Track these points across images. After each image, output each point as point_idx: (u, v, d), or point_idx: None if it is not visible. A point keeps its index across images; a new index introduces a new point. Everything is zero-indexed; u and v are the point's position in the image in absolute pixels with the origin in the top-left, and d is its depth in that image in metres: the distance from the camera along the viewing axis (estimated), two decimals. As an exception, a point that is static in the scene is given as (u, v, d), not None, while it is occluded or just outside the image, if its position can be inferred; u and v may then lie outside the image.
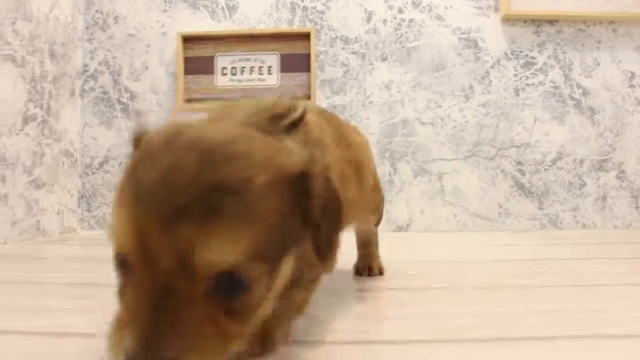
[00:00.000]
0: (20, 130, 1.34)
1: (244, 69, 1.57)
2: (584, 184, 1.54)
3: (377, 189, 0.76)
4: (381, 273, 0.79)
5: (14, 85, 1.32)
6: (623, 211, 1.53)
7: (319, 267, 0.47)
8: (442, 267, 0.91)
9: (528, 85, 1.55)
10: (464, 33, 1.55)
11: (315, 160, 0.38)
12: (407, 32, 1.55)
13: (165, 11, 1.59)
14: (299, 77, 1.55)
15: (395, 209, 1.54)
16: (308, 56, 1.54)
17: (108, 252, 0.35)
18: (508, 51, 1.55)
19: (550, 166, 1.54)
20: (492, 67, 1.55)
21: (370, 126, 1.54)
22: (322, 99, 1.56)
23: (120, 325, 0.31)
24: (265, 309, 0.35)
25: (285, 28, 1.56)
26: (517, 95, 1.54)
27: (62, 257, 1.11)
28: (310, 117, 0.47)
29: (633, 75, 1.55)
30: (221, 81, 1.58)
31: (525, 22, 1.55)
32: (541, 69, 1.55)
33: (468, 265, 0.93)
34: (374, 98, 1.55)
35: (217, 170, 0.31)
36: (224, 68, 1.58)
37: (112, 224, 0.32)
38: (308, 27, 1.55)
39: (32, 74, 1.39)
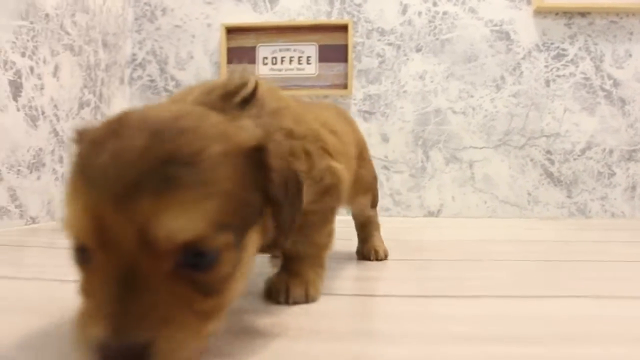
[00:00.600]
0: (76, 114, 1.44)
1: (283, 59, 1.65)
2: (613, 174, 1.57)
3: (367, 167, 0.77)
4: (386, 256, 0.77)
5: (71, 72, 1.42)
6: (651, 200, 1.57)
7: (322, 211, 0.52)
8: (467, 245, 0.98)
9: (559, 76, 1.59)
10: (495, 25, 1.60)
11: (271, 135, 0.37)
12: (440, 24, 1.60)
13: (209, 3, 1.67)
14: (336, 67, 1.62)
15: (427, 194, 1.60)
16: (345, 47, 1.61)
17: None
18: (539, 43, 1.59)
19: (579, 155, 1.58)
20: (523, 58, 1.59)
21: (404, 114, 1.61)
22: (358, 88, 1.62)
23: (84, 317, 0.29)
24: (240, 285, 0.34)
25: (323, 20, 1.63)
26: (548, 85, 1.59)
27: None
28: (265, 90, 0.46)
29: (664, 67, 1.58)
30: (262, 70, 1.66)
31: (557, 14, 1.59)
32: (572, 60, 1.59)
33: (493, 244, 0.99)
34: (408, 87, 1.61)
35: (167, 144, 0.30)
36: (265, 58, 1.66)
37: (65, 216, 0.30)
38: (345, 19, 1.62)
39: (87, 62, 1.49)
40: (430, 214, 1.61)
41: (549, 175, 1.58)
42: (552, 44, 1.59)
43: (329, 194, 0.51)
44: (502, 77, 1.59)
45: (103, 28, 1.59)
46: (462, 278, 0.64)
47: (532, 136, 1.59)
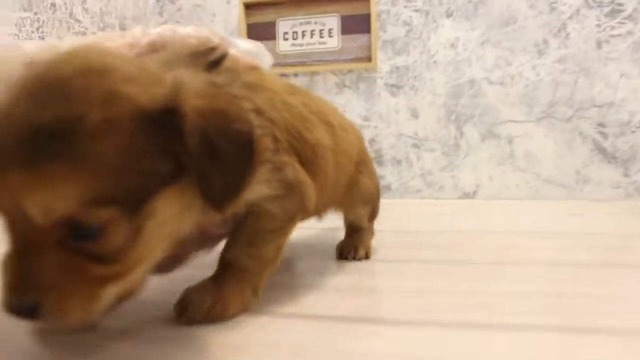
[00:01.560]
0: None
1: (304, 33, 1.55)
2: (680, 146, 1.36)
3: (370, 176, 0.71)
4: (367, 257, 0.68)
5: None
6: None
7: (281, 217, 0.46)
8: (502, 238, 0.84)
9: (613, 36, 1.39)
10: (538, -18, 1.41)
11: (189, 90, 0.33)
12: (474, -15, 1.44)
13: (228, -22, 1.60)
14: (360, 39, 1.51)
15: (461, 174, 1.46)
16: (368, 16, 1.49)
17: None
18: (590, -1, 1.39)
19: (637, 127, 1.38)
20: (569, 17, 1.40)
21: (435, 87, 1.47)
22: (384, 60, 1.50)
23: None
24: (149, 250, 0.34)
25: (345, -12, 1.51)
26: (600, 47, 1.39)
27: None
28: (251, 68, 0.45)
29: None
30: (283, 46, 1.57)
31: (611, -36, 1.38)
32: (630, 16, 1.38)
33: (533, 238, 0.85)
34: (439, 57, 1.47)
35: (46, 110, 0.29)
36: (285, 33, 1.57)
37: None
38: (367, -14, 1.49)
39: (102, 47, 1.46)
40: (466, 195, 1.47)
41: (602, 150, 1.40)
42: (605, -1, 1.39)
43: (291, 194, 0.46)
44: (545, 41, 1.41)
45: (120, 13, 1.56)
46: (481, 293, 0.51)
47: (581, 107, 1.40)
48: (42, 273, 0.30)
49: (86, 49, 0.36)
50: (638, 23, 1.37)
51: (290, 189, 0.46)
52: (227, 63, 0.41)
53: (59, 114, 0.29)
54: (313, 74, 1.56)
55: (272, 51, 1.57)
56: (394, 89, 1.50)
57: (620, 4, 1.38)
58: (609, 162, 1.39)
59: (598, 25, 1.39)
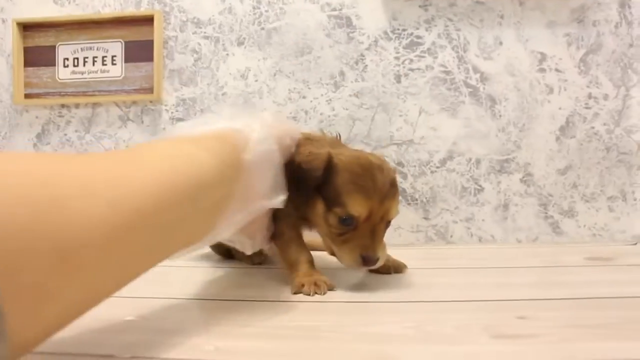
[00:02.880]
0: None
1: (86, 59, 1.37)
2: (481, 189, 1.26)
3: None
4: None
5: None
6: None
7: None
8: None
9: (412, 69, 1.28)
10: (334, 9, 1.30)
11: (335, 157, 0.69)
12: (267, 11, 1.31)
13: (4, -4, 1.41)
14: (145, 67, 1.34)
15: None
16: (152, 42, 1.33)
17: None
18: (388, 29, 1.29)
19: (438, 167, 1.26)
20: (367, 48, 1.29)
21: (223, 122, 1.32)
22: (170, 92, 1.34)
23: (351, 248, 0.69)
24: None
25: (130, 12, 1.35)
26: (398, 81, 1.28)
27: None
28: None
29: (543, 57, 1.26)
30: (63, 74, 1.38)
31: (406, -7, 1.29)
32: (429, 49, 1.28)
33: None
34: (228, 89, 1.32)
35: (385, 176, 0.70)
36: (66, 59, 1.38)
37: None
38: (152, 10, 1.34)
39: None
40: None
41: (401, 192, 1.27)
42: (404, 30, 1.29)
43: None
44: (342, 73, 1.29)
45: None
46: None
47: (378, 144, 1.28)
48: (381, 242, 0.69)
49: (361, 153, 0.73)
50: (437, 57, 1.28)
51: None
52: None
53: (391, 176, 0.69)
54: (95, 105, 1.37)
55: (52, 79, 1.38)
56: (181, 123, 1.33)
57: (419, 37, 1.28)
58: (409, 204, 1.27)
59: (397, 58, 1.29)
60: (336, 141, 0.79)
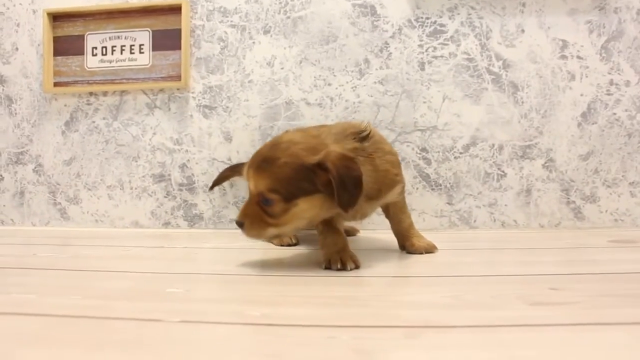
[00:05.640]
0: None
1: (114, 48, 1.40)
2: (504, 175, 1.27)
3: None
4: (427, 251, 0.92)
5: None
6: None
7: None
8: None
9: (436, 57, 1.30)
10: (359, -1, 1.32)
11: (330, 157, 0.74)
12: (292, 0, 1.34)
13: (33, -13, 1.44)
14: (172, 55, 1.37)
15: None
16: (180, 31, 1.35)
17: None
18: (412, 17, 1.31)
19: (461, 153, 1.28)
20: (392, 36, 1.31)
21: (249, 109, 1.34)
22: (197, 79, 1.36)
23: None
24: (293, 221, 0.77)
25: (158, 1, 1.38)
26: (422, 69, 1.30)
27: None
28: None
29: (565, 44, 1.28)
30: (91, 62, 1.41)
31: (429, -18, 1.31)
32: (452, 37, 1.30)
33: None
34: (254, 76, 1.34)
35: (268, 152, 0.78)
36: (94, 48, 1.41)
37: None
38: (181, -2, 1.36)
39: None
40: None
41: (425, 177, 1.29)
42: (427, 18, 1.31)
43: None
44: (367, 60, 1.32)
45: None
46: None
47: (403, 131, 1.30)
48: (248, 211, 0.78)
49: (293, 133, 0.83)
50: (460, 45, 1.30)
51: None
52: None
53: (271, 154, 0.76)
54: (123, 92, 1.40)
55: (81, 68, 1.41)
56: (207, 110, 1.36)
57: (442, 25, 1.30)
58: (432, 189, 1.29)
59: (420, 46, 1.31)
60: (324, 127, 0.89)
